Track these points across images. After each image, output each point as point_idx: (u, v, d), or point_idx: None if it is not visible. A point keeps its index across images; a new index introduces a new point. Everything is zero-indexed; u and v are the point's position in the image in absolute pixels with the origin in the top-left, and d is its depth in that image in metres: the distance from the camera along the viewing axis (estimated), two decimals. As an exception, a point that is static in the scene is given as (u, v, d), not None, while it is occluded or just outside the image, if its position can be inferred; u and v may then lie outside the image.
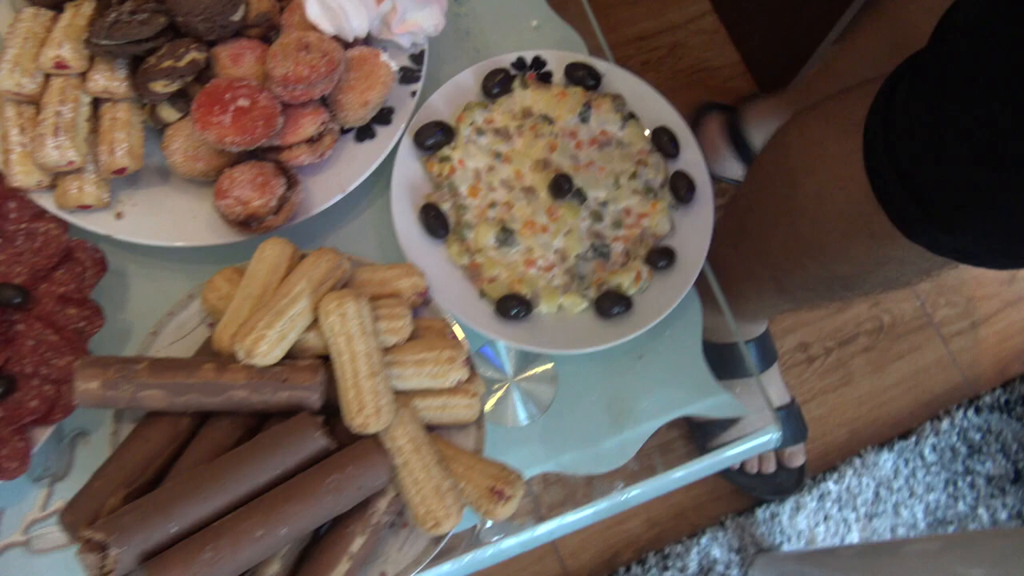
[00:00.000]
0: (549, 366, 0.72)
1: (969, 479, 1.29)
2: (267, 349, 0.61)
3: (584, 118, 0.75)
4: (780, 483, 1.23)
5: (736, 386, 0.76)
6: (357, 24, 0.73)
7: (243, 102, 0.68)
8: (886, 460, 1.29)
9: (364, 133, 0.75)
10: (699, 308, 0.75)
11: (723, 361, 0.76)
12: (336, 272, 0.65)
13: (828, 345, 1.39)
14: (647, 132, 0.76)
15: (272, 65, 0.70)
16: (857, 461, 1.29)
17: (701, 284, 0.74)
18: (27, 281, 0.68)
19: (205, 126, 0.68)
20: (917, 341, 1.41)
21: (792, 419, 1.24)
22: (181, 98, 0.72)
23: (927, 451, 1.30)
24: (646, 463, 0.72)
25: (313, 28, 0.73)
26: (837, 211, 0.70)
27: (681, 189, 0.74)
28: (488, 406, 0.71)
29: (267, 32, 0.76)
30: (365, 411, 0.61)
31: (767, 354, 1.21)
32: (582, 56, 0.79)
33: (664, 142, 0.75)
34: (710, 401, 0.73)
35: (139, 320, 0.72)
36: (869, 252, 0.70)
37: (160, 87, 0.70)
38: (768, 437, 0.73)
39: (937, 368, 1.40)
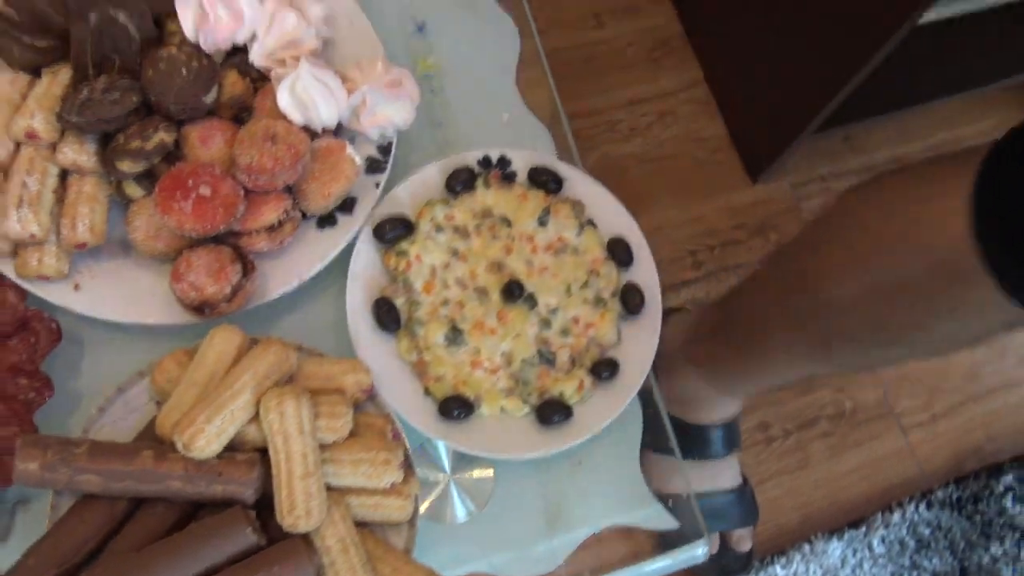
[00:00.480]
0: (488, 467, 0.73)
1: (915, 574, 1.30)
2: (205, 444, 0.62)
3: (543, 222, 0.77)
4: (726, 565, 1.24)
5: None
6: (326, 115, 0.75)
7: (205, 190, 0.70)
8: (835, 548, 1.30)
9: (325, 221, 0.76)
10: (640, 419, 0.76)
11: (686, 439, 0.74)
12: (282, 366, 0.67)
13: (788, 427, 1.41)
14: (604, 240, 0.78)
15: (238, 152, 0.72)
16: (807, 547, 1.30)
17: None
18: (-20, 348, 0.69)
19: (166, 211, 0.69)
20: (877, 429, 1.42)
21: (744, 502, 1.25)
22: (147, 177, 0.73)
23: (876, 542, 1.31)
24: (575, 569, 0.73)
25: (283, 116, 0.75)
26: (927, 262, 0.68)
27: (631, 301, 0.75)
28: (425, 504, 0.72)
29: (239, 113, 0.77)
30: (296, 511, 0.62)
31: (732, 440, 1.22)
32: (547, 159, 0.80)
33: (619, 252, 0.77)
34: (644, 512, 0.74)
35: (88, 390, 0.73)
36: (950, 298, 0.68)
37: (127, 167, 0.71)
38: (696, 552, 0.74)
39: (895, 458, 1.41)
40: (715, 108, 1.68)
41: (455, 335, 0.73)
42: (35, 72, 0.76)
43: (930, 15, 1.35)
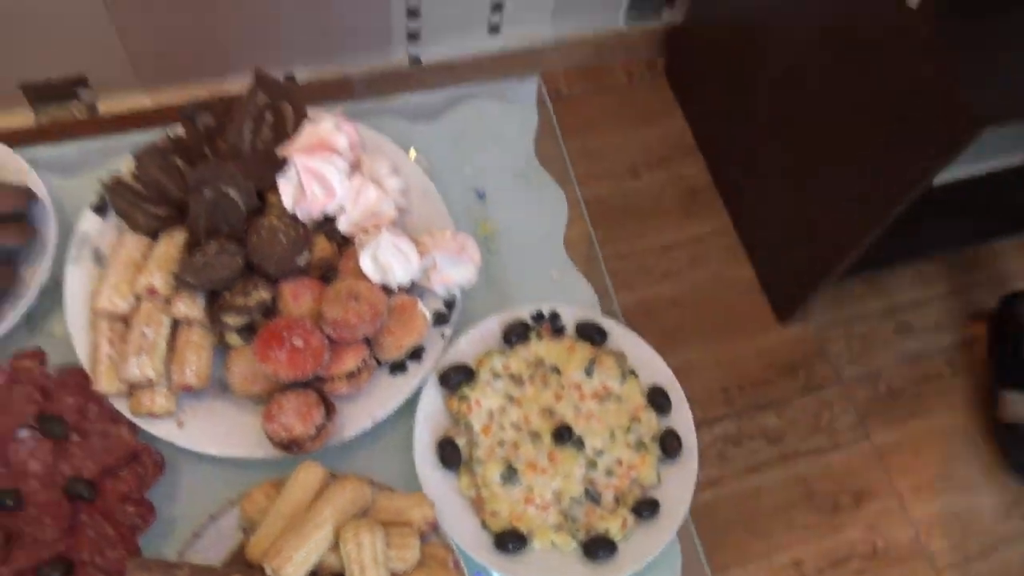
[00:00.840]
0: (537, 596, 0.80)
1: None
2: (292, 571, 0.70)
3: (589, 372, 0.86)
4: None
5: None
6: (402, 277, 0.87)
7: (297, 342, 0.80)
8: None
9: (397, 368, 0.86)
10: (679, 555, 0.83)
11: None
12: (358, 501, 0.76)
13: (821, 565, 1.44)
14: (644, 389, 0.87)
15: (326, 308, 0.83)
16: None
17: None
18: (96, 476, 0.78)
19: (264, 359, 0.80)
20: (910, 570, 1.45)
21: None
22: (246, 328, 0.84)
23: None
24: None
25: (364, 276, 0.87)
26: None
27: (670, 445, 0.84)
28: (479, 630, 0.79)
29: (326, 273, 0.89)
30: (369, 633, 0.70)
31: None
32: (592, 314, 0.91)
33: (658, 400, 0.86)
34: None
35: (183, 516, 0.81)
36: None
37: (231, 320, 0.83)
38: None
39: (928, 599, 1.43)
40: (743, 253, 1.79)
41: (510, 474, 0.82)
42: (154, 235, 0.89)
43: (944, 176, 1.47)
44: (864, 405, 1.61)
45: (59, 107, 1.65)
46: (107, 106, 1.69)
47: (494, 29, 1.80)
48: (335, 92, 1.76)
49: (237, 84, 1.72)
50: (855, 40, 1.32)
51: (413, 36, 1.75)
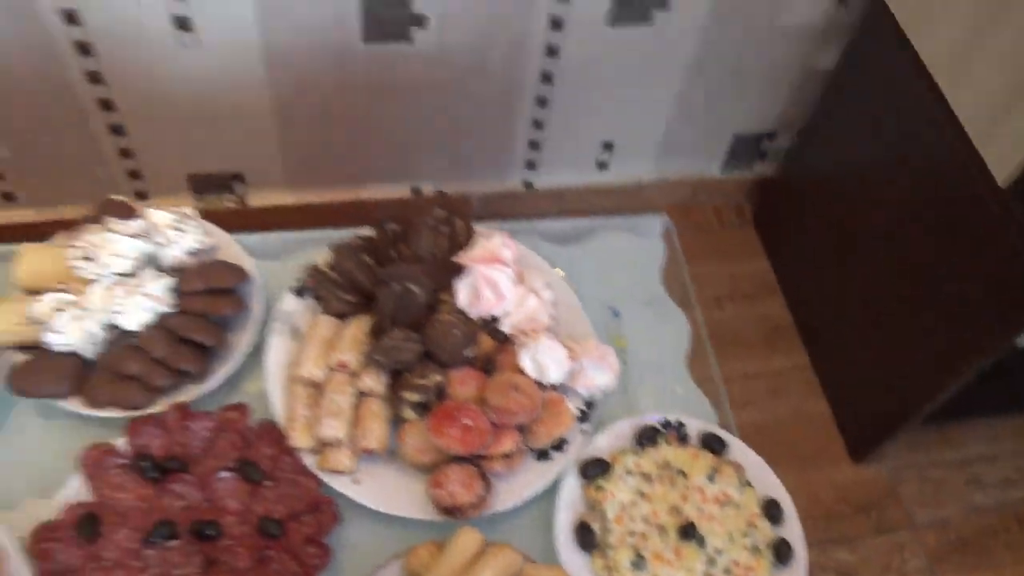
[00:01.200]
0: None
1: None
2: (456, 620, 0.81)
3: (711, 479, 0.98)
4: None
5: None
6: (554, 376, 1.00)
7: (467, 421, 0.93)
8: None
9: (543, 455, 0.99)
10: (785, 654, 0.91)
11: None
12: (511, 568, 0.86)
13: None
14: (759, 499, 0.97)
15: (490, 396, 0.96)
16: None
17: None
18: (284, 518, 0.91)
19: (438, 434, 0.93)
20: None
21: None
22: (419, 405, 0.98)
23: None
24: None
25: (521, 371, 1.00)
26: None
27: (782, 553, 0.93)
28: None
29: (486, 365, 1.03)
30: None
31: None
32: (714, 428, 1.03)
33: (772, 511, 0.96)
34: None
35: (351, 564, 0.92)
36: None
37: (410, 396, 0.96)
38: None
39: None
40: (820, 390, 1.89)
41: (639, 561, 0.92)
42: (342, 318, 1.05)
43: None
44: (935, 551, 1.66)
45: (216, 197, 1.86)
46: (255, 199, 1.90)
47: (602, 165, 2.00)
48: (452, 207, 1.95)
49: (370, 192, 1.93)
50: (945, 209, 1.47)
51: (530, 165, 1.95)
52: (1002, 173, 1.32)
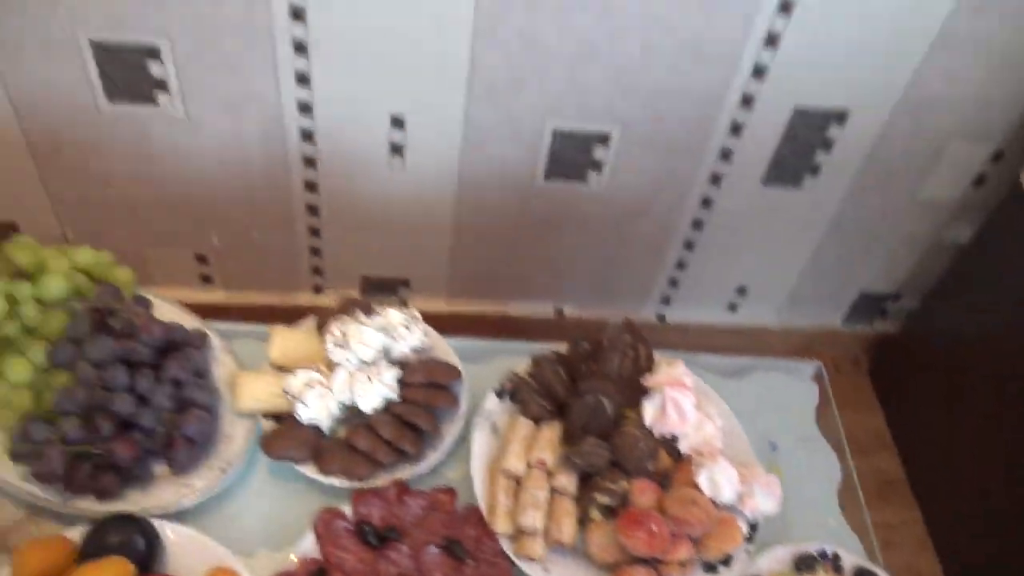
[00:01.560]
0: None
1: None
2: None
3: (865, 610, 1.06)
4: None
5: None
6: (727, 496, 1.12)
7: (653, 527, 1.05)
8: None
9: (710, 568, 1.09)
10: None
11: None
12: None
13: None
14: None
15: (670, 506, 1.08)
16: None
17: None
18: (482, 595, 1.03)
19: (627, 536, 1.05)
20: None
21: None
22: (607, 508, 1.10)
23: None
24: None
25: (695, 487, 1.12)
26: None
27: None
28: None
29: (662, 479, 1.15)
30: None
31: None
32: (868, 563, 1.12)
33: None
34: None
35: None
36: None
37: (600, 498, 1.09)
38: None
39: None
40: (932, 547, 1.93)
41: (799, 675, 1.01)
42: (536, 421, 1.19)
43: None
44: None
45: (382, 299, 2.06)
46: (415, 303, 2.09)
47: (733, 307, 2.14)
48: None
49: (515, 308, 2.10)
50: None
51: (666, 300, 2.11)
52: None
